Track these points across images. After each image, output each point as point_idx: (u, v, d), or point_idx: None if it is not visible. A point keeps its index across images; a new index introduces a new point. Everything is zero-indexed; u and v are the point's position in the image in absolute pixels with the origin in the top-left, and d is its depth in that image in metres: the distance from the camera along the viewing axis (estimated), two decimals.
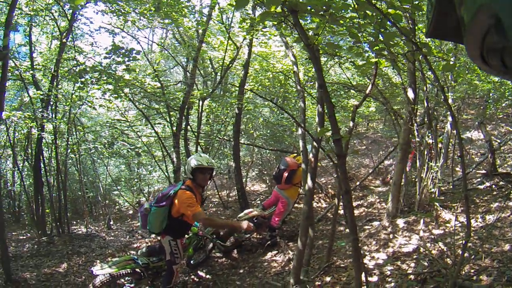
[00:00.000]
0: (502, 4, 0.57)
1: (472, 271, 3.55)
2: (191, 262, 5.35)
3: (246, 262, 5.75)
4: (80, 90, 7.11)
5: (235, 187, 9.09)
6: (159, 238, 6.37)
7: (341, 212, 5.87)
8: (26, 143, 9.98)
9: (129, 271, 4.32)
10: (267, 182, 10.62)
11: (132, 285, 4.48)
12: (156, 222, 4.10)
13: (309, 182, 4.21)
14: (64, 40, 7.91)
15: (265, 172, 11.24)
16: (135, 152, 9.44)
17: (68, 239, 7.84)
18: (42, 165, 8.39)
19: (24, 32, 8.83)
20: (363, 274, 2.93)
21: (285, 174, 6.00)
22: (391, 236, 4.98)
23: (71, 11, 7.70)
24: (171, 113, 7.91)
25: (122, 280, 4.44)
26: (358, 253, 2.84)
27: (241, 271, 5.46)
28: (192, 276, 5.41)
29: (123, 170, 14.62)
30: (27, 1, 7.85)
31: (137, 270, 4.41)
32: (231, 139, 8.99)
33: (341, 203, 4.19)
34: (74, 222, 10.24)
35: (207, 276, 5.38)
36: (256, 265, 5.56)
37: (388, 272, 4.02)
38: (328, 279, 4.32)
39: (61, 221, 8.34)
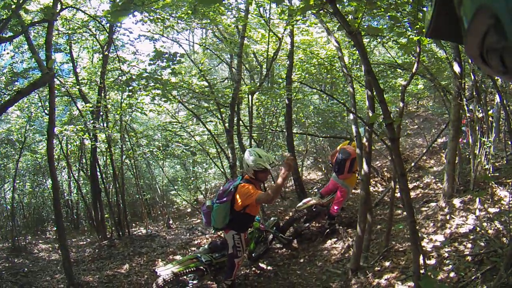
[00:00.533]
0: (502, 4, 0.58)
1: None
2: (253, 255, 5.66)
3: (306, 251, 6.02)
4: (129, 98, 7.58)
5: (291, 177, 9.27)
6: (220, 233, 6.79)
7: (398, 195, 6.04)
8: (80, 154, 10.82)
9: (192, 269, 4.59)
10: (323, 169, 10.84)
11: (195, 282, 4.70)
12: (219, 218, 4.32)
13: (365, 167, 4.38)
14: (106, 53, 8.44)
15: (320, 160, 11.45)
16: (190, 151, 9.86)
17: (129, 241, 8.15)
18: (98, 173, 9.08)
19: (64, 51, 9.36)
20: (421, 257, 3.11)
21: (348, 163, 6.09)
22: (448, 217, 5.03)
23: (108, 24, 8.17)
24: (221, 109, 8.21)
25: (185, 277, 4.65)
26: (415, 236, 3.02)
27: (302, 260, 5.74)
28: (253, 269, 5.68)
29: (178, 170, 15.24)
30: (62, 21, 8.37)
31: (201, 267, 4.68)
32: (284, 130, 9.15)
33: (398, 186, 4.34)
34: (134, 224, 10.79)
35: (268, 268, 5.66)
36: (316, 253, 5.81)
37: (446, 254, 4.12)
38: (387, 264, 4.48)
39: (121, 225, 8.81)
